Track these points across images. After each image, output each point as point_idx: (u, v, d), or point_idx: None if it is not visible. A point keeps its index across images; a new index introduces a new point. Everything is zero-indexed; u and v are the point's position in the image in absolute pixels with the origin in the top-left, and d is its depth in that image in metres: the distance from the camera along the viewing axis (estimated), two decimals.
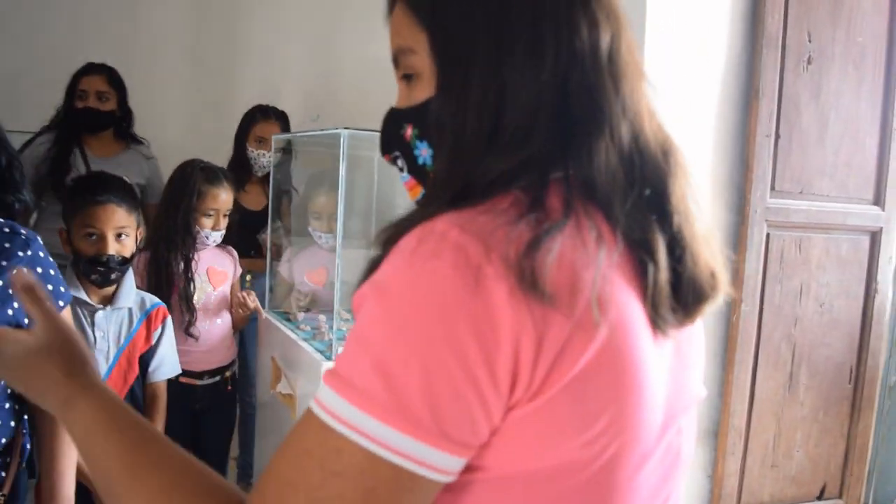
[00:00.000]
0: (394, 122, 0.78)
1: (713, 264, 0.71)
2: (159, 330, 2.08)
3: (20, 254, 1.35)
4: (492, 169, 0.65)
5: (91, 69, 2.81)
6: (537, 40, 0.67)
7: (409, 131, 0.76)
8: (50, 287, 1.40)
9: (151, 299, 2.10)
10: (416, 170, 0.77)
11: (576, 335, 0.58)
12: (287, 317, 2.59)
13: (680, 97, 2.26)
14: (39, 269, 1.39)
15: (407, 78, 0.75)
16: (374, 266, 0.66)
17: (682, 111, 2.26)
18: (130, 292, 2.02)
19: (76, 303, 1.89)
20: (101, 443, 0.71)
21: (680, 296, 0.68)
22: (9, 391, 1.43)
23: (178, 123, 3.59)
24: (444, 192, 0.66)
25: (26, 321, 1.34)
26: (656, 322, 0.65)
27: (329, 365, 2.06)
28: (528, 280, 0.57)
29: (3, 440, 1.42)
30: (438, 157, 0.72)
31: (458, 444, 0.58)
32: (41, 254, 1.40)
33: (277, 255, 2.83)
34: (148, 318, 2.06)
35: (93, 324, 1.95)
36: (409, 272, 0.59)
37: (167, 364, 2.11)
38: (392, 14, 0.75)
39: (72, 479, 1.48)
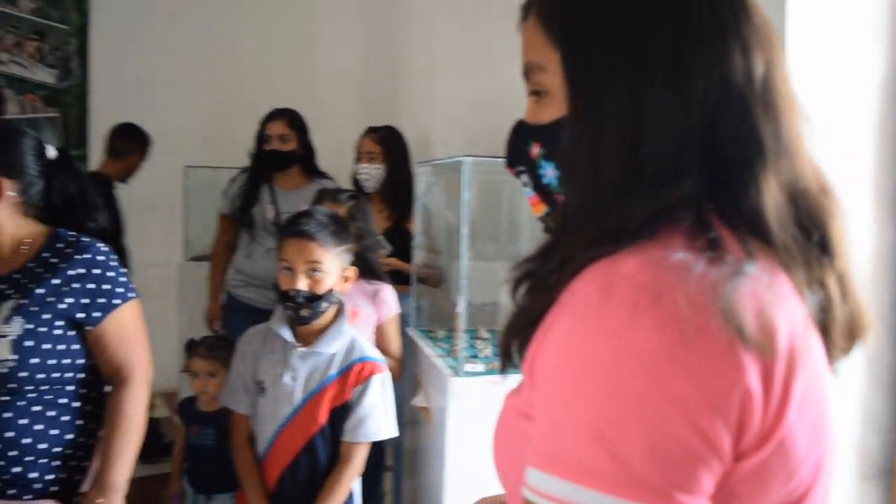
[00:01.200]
0: (521, 136, 0.75)
1: (864, 301, 0.69)
2: (361, 387, 1.86)
3: (77, 257, 1.59)
4: (643, 206, 0.60)
5: (273, 115, 3.08)
6: (682, 67, 0.62)
7: (535, 150, 0.73)
8: (105, 286, 1.60)
9: (362, 352, 1.90)
10: (540, 188, 0.74)
11: (788, 377, 0.56)
12: (429, 334, 2.64)
13: (834, 110, 2.19)
14: (95, 270, 1.60)
15: (536, 94, 0.71)
16: (530, 313, 0.64)
17: (838, 124, 2.19)
18: (336, 338, 1.88)
19: (277, 338, 1.88)
20: None
21: (844, 332, 0.67)
22: (81, 391, 1.62)
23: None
24: (586, 229, 0.62)
25: (80, 315, 1.58)
26: (830, 358, 0.65)
27: (458, 381, 2.10)
28: (734, 326, 0.53)
29: (80, 440, 1.61)
30: (572, 189, 0.68)
31: (693, 497, 0.54)
32: (98, 257, 1.61)
33: (425, 279, 2.89)
34: (349, 370, 1.87)
35: (286, 361, 1.87)
36: (607, 331, 0.55)
37: (369, 426, 1.86)
38: (525, 24, 0.71)
39: (123, 470, 1.60)
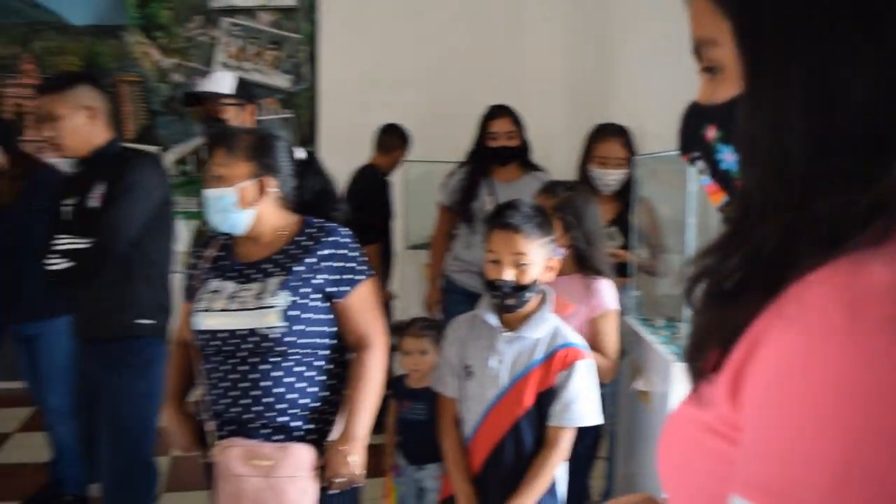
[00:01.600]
0: (694, 119, 0.68)
1: None
2: (566, 372, 1.88)
3: (325, 240, 1.83)
4: (857, 195, 0.51)
5: (498, 112, 3.24)
6: (881, 21, 0.52)
7: (710, 133, 0.66)
8: (349, 265, 1.83)
9: (565, 338, 1.92)
10: (718, 175, 0.67)
11: None
12: (648, 322, 2.65)
13: None
14: (341, 251, 1.83)
15: (709, 71, 0.64)
16: (735, 324, 0.56)
17: None
18: (540, 324, 1.91)
19: (484, 324, 1.94)
20: None
21: None
22: (332, 355, 1.86)
23: (562, 149, 3.92)
24: (775, 219, 0.55)
25: (330, 289, 1.81)
26: None
27: (681, 366, 2.01)
28: None
29: (330, 396, 1.85)
30: (754, 173, 0.59)
31: None
32: (343, 240, 1.85)
33: (645, 270, 2.89)
34: (553, 356, 1.89)
35: (493, 346, 1.92)
36: (862, 358, 0.46)
37: (575, 411, 1.87)
38: None
39: (364, 423, 1.82)
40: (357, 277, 1.85)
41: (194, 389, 1.98)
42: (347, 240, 1.87)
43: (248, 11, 4.86)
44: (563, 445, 1.88)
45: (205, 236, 2.40)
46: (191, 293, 1.94)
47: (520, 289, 1.86)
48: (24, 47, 4.75)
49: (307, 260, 1.81)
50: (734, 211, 0.63)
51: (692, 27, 0.63)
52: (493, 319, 1.92)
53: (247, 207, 1.83)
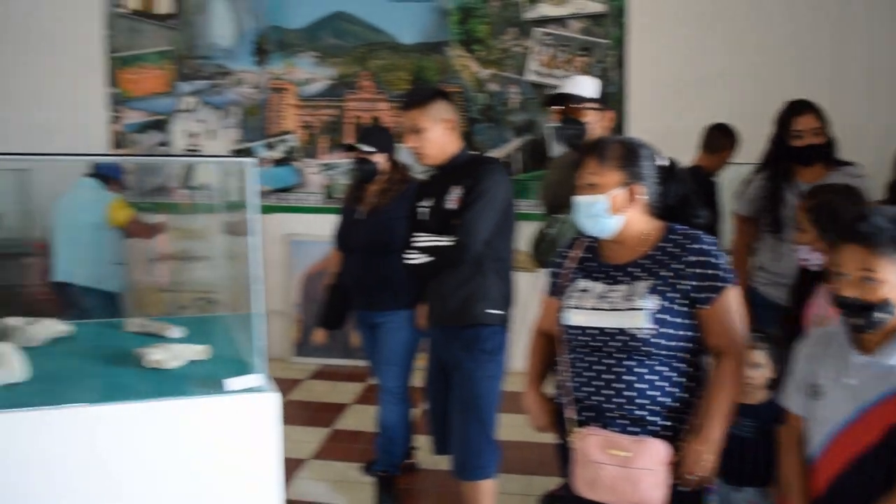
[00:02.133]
0: None
1: None
2: None
3: (691, 247, 1.89)
4: None
5: (802, 108, 3.02)
6: None
7: None
8: (713, 272, 1.87)
9: None
10: None
11: None
12: None
13: None
14: (706, 258, 1.88)
15: None
16: None
17: None
18: None
19: (838, 342, 1.80)
20: None
21: None
22: (691, 358, 1.91)
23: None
24: None
25: (695, 295, 1.85)
26: None
27: None
28: None
29: (687, 398, 1.91)
30: None
31: None
32: (708, 247, 1.90)
33: None
34: None
35: (845, 368, 1.77)
36: None
37: None
38: None
39: (719, 427, 1.86)
40: (721, 284, 1.89)
41: (551, 376, 2.13)
42: (712, 247, 1.92)
43: (559, 20, 5.07)
44: None
45: (551, 239, 2.62)
46: (556, 289, 2.08)
47: (867, 308, 1.67)
48: (363, 66, 5.38)
49: (674, 266, 1.89)
50: None
51: None
52: (846, 338, 1.78)
53: (617, 213, 1.93)
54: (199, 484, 1.82)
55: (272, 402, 1.86)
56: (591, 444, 1.89)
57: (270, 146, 5.58)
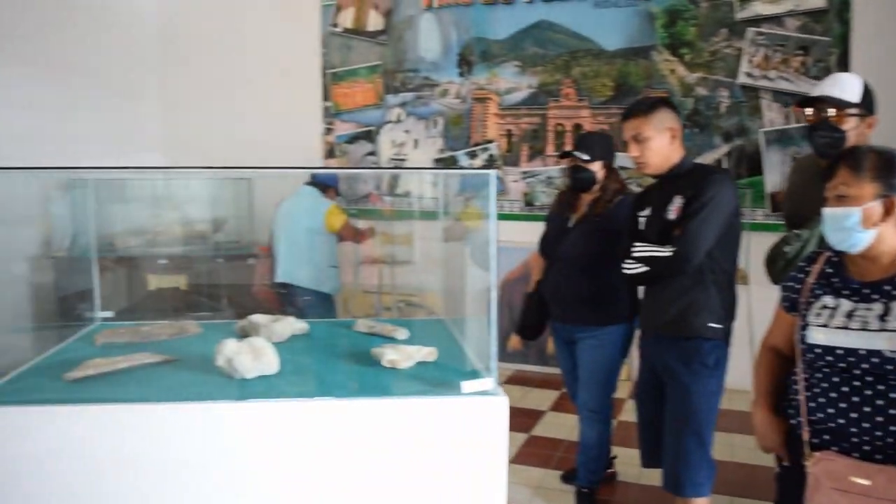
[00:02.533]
0: None
1: None
2: None
3: None
4: None
5: None
6: None
7: None
8: None
9: None
10: None
11: None
12: None
13: None
14: None
15: None
16: None
17: None
18: None
19: None
20: None
21: None
22: None
23: None
24: None
25: None
26: None
27: None
28: None
29: None
30: None
31: None
32: None
33: None
34: None
35: None
36: None
37: None
38: None
39: None
40: None
41: (782, 394, 2.04)
42: None
43: (775, 19, 4.80)
44: None
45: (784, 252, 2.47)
46: (792, 305, 2.00)
47: None
48: (565, 73, 5.39)
49: None
50: None
51: None
52: None
53: (869, 228, 1.83)
54: (432, 480, 1.90)
55: (503, 406, 1.91)
56: (831, 469, 1.79)
57: (472, 155, 5.72)
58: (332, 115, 6.12)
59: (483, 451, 1.92)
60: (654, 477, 2.91)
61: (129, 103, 6.38)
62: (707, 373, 2.51)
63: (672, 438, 2.60)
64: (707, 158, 4.96)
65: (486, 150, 5.68)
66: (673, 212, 2.56)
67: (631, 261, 2.63)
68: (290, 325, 2.54)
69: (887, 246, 1.84)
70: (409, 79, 5.85)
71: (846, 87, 2.43)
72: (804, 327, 1.91)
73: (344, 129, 6.09)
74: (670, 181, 2.62)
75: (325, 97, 6.12)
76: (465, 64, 5.66)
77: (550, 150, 5.48)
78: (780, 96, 4.82)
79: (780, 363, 2.06)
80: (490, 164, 5.65)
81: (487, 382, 1.94)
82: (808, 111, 2.48)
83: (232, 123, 6.26)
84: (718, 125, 4.99)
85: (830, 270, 1.95)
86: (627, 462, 3.63)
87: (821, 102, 2.44)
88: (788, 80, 4.78)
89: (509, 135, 5.59)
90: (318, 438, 1.86)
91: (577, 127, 5.38)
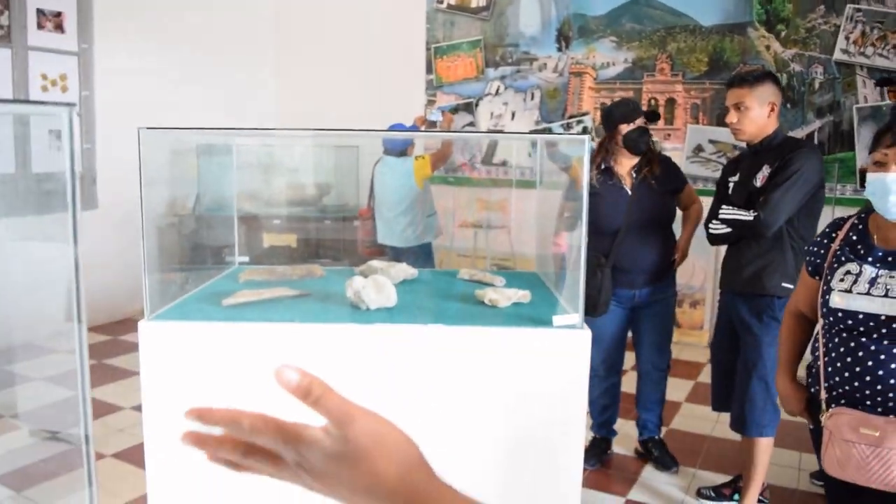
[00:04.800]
0: None
1: None
2: None
3: None
4: None
5: None
6: None
7: None
8: None
9: None
10: None
11: None
12: None
13: None
14: None
15: None
16: None
17: None
18: None
19: None
20: None
21: None
22: None
23: None
24: None
25: None
26: None
27: None
28: None
29: None
30: None
31: None
32: None
33: None
34: None
35: None
36: None
37: None
38: None
39: None
40: None
41: (801, 359, 2.19)
42: None
43: None
44: None
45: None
46: (815, 269, 2.08)
47: None
48: (661, 49, 5.56)
49: None
50: None
51: None
52: None
53: None
54: (526, 400, 2.24)
55: (586, 338, 2.23)
56: (842, 423, 1.88)
57: (567, 126, 5.97)
58: (434, 87, 6.47)
59: (569, 375, 2.24)
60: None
61: (246, 77, 6.91)
62: (776, 326, 2.75)
63: (742, 383, 2.86)
64: (799, 134, 5.07)
65: (580, 122, 5.93)
66: (760, 180, 2.79)
67: (716, 222, 2.88)
68: (404, 270, 2.92)
69: None
70: (508, 53, 6.14)
71: None
72: (827, 291, 1.97)
73: (445, 100, 6.44)
74: (762, 151, 2.84)
75: (429, 70, 6.47)
76: (563, 39, 5.90)
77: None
78: (876, 73, 4.87)
79: (804, 328, 2.18)
80: (584, 133, 5.90)
81: (574, 318, 2.26)
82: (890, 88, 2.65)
83: (341, 96, 6.70)
84: (812, 101, 5.08)
85: (855, 237, 2.01)
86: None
87: None
88: (886, 58, 4.83)
89: (603, 107, 5.82)
90: (430, 359, 2.21)
91: (671, 101, 5.56)
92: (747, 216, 2.77)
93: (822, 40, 5.03)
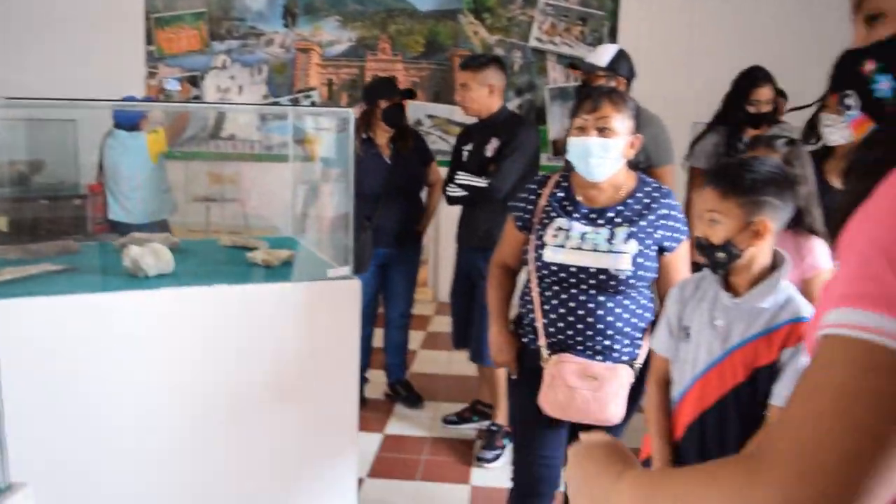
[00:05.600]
0: (849, 61, 0.81)
1: None
2: (792, 350, 1.67)
3: (662, 200, 2.12)
4: None
5: (762, 80, 3.38)
6: None
7: (868, 66, 0.79)
8: (677, 225, 2.12)
9: (797, 312, 1.69)
10: (870, 104, 0.81)
11: None
12: None
13: None
14: (673, 212, 2.13)
15: (871, 19, 0.78)
16: (856, 195, 0.68)
17: None
18: (768, 293, 1.71)
19: (711, 286, 1.82)
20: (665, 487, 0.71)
21: None
22: (646, 290, 2.13)
23: None
24: None
25: (664, 244, 2.08)
26: None
27: None
28: None
29: (640, 324, 2.12)
30: None
31: None
32: (673, 202, 2.14)
33: None
34: (778, 330, 1.69)
35: (713, 310, 1.78)
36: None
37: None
38: None
39: None
40: (682, 236, 2.13)
41: (511, 309, 2.33)
42: (677, 202, 2.17)
43: None
44: None
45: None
46: (526, 225, 2.20)
47: (712, 248, 1.72)
48: (382, 30, 5.98)
49: (650, 217, 2.08)
50: (886, 126, 0.78)
51: None
52: (718, 282, 1.79)
53: (620, 159, 2.09)
54: (309, 343, 2.50)
55: (357, 287, 2.54)
56: (567, 370, 2.04)
57: (295, 101, 6.18)
58: (156, 59, 6.30)
59: (345, 320, 2.54)
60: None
61: None
62: None
63: (477, 324, 3.36)
64: None
65: (308, 97, 6.16)
66: (490, 150, 3.29)
67: (453, 185, 3.33)
68: (167, 239, 3.00)
69: (617, 178, 2.11)
70: (235, 27, 6.17)
71: (600, 55, 3.23)
72: (541, 247, 2.10)
73: (168, 73, 6.29)
74: (490, 125, 3.34)
75: (149, 41, 6.28)
76: (289, 16, 6.08)
77: None
78: (563, 59, 5.72)
79: (511, 279, 2.33)
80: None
81: (346, 269, 2.56)
82: (575, 72, 3.32)
83: (48, 66, 6.23)
84: (513, 81, 5.81)
85: (562, 195, 2.16)
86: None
87: (579, 66, 3.35)
88: (570, 46, 5.69)
89: (330, 84, 6.11)
90: (219, 318, 2.38)
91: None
92: (482, 183, 3.25)
93: (520, 29, 5.77)
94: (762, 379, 1.70)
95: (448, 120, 5.75)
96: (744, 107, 3.40)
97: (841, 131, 2.76)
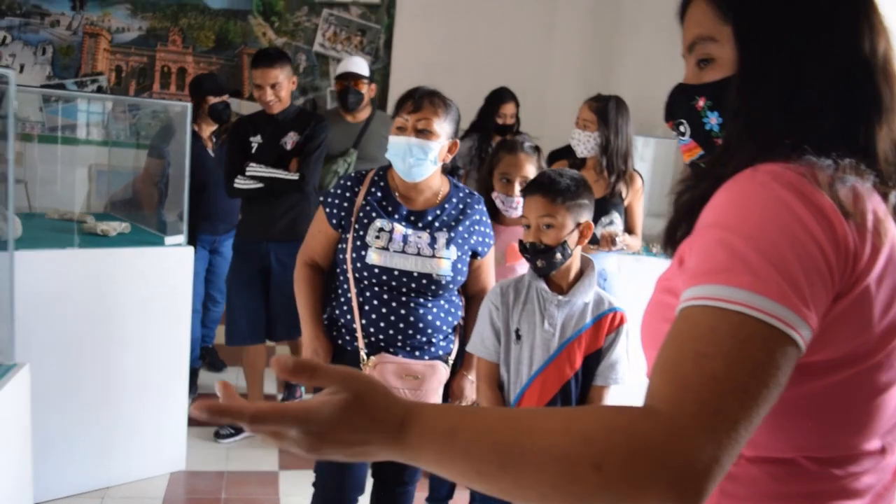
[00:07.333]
0: (684, 94, 0.92)
1: None
2: (613, 335, 1.93)
3: (475, 206, 2.19)
4: (790, 136, 0.78)
5: (507, 97, 4.32)
6: (830, 40, 0.81)
7: (700, 102, 0.89)
8: (486, 230, 2.22)
9: (611, 303, 1.96)
10: (700, 134, 0.92)
11: (874, 241, 0.74)
12: None
13: None
14: (484, 218, 2.22)
15: (702, 62, 0.89)
16: (692, 200, 0.85)
17: None
18: (588, 289, 1.92)
19: (532, 289, 1.95)
20: (468, 436, 0.68)
21: None
22: (459, 296, 2.22)
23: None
24: (744, 151, 0.81)
25: (477, 249, 2.16)
26: None
27: None
28: (835, 199, 0.73)
29: (455, 323, 2.19)
30: (732, 125, 0.85)
31: (816, 315, 0.70)
32: (482, 207, 2.23)
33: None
34: (601, 319, 1.93)
35: (544, 310, 1.92)
36: (756, 183, 0.75)
37: (619, 371, 1.93)
38: (691, 8, 0.90)
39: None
40: (490, 242, 2.22)
41: (324, 309, 2.24)
42: (485, 208, 2.26)
43: (343, 5, 6.35)
44: (606, 403, 1.89)
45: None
46: (341, 223, 2.12)
47: (546, 250, 1.86)
48: (174, 23, 6.28)
49: (465, 222, 2.13)
50: (711, 157, 0.90)
51: (692, 29, 0.89)
52: (542, 284, 1.92)
53: (437, 162, 2.08)
54: (148, 305, 2.97)
55: (190, 253, 3.06)
56: (388, 371, 2.03)
57: (82, 84, 6.29)
58: None
59: (180, 281, 3.04)
60: None
61: None
62: None
63: (285, 315, 3.38)
64: None
65: (95, 81, 6.30)
66: (290, 144, 3.44)
67: (243, 178, 3.33)
68: None
69: (434, 180, 2.14)
70: (17, 4, 6.14)
71: (359, 65, 3.88)
72: (363, 248, 2.05)
73: None
74: (285, 119, 3.49)
75: None
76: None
77: (157, 87, 6.35)
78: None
79: (320, 278, 2.22)
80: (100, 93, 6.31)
81: (181, 238, 3.08)
82: (340, 81, 3.92)
83: None
84: (298, 82, 6.37)
85: (380, 194, 2.13)
86: None
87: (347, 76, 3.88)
88: (350, 54, 6.40)
89: (119, 70, 6.30)
90: (74, 279, 2.78)
91: (182, 70, 6.33)
92: (292, 175, 3.38)
93: (305, 34, 6.36)
94: (591, 364, 1.93)
95: (237, 114, 6.20)
96: (493, 118, 4.28)
97: (584, 144, 3.16)
